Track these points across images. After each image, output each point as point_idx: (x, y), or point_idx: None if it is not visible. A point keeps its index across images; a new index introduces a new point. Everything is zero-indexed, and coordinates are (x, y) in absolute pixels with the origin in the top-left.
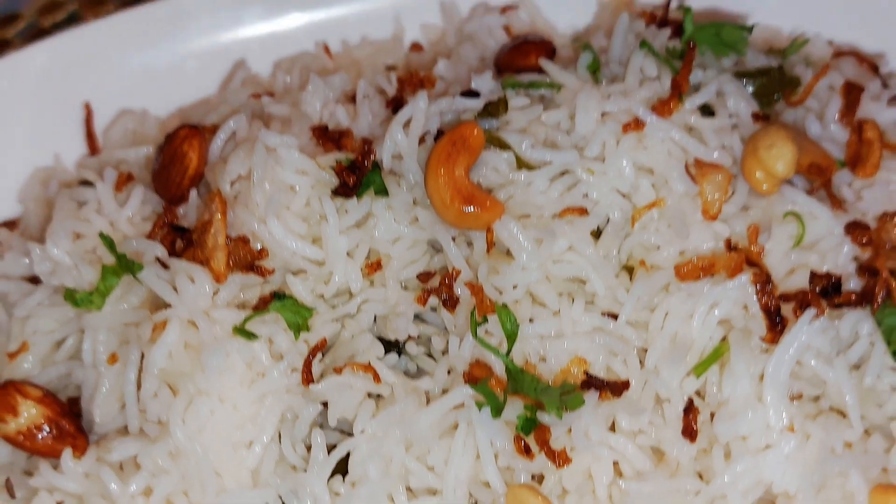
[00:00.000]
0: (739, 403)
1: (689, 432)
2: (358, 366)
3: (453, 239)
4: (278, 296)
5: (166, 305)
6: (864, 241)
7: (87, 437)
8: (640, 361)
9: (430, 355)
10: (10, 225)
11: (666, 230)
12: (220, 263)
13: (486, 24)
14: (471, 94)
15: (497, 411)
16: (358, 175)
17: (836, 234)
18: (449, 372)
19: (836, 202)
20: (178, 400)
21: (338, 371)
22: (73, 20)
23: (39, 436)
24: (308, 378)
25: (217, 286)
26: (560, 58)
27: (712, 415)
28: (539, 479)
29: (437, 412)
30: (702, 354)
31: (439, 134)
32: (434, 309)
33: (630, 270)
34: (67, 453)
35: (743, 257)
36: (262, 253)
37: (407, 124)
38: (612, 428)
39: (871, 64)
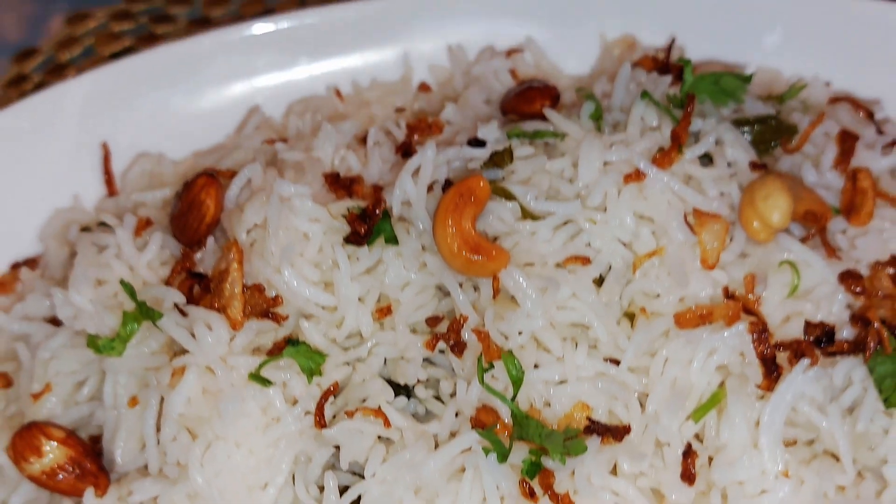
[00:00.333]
0: (736, 449)
1: (688, 476)
2: (368, 411)
3: (460, 285)
4: (292, 342)
5: (184, 350)
6: (856, 290)
7: (109, 477)
8: (641, 405)
9: (438, 398)
10: (31, 263)
11: (666, 278)
12: (236, 312)
13: (492, 68)
14: (477, 142)
15: (503, 457)
16: (369, 224)
17: (830, 283)
18: (457, 414)
19: (831, 250)
20: (196, 444)
21: (349, 415)
22: (88, 54)
23: (62, 475)
24: (321, 422)
25: (233, 333)
26: (564, 102)
27: (710, 458)
28: None
29: (445, 457)
30: (700, 400)
31: (447, 183)
32: (443, 351)
33: (631, 317)
34: (90, 493)
35: (740, 306)
36: (277, 300)
37: (416, 173)
38: (614, 471)
39: (866, 110)
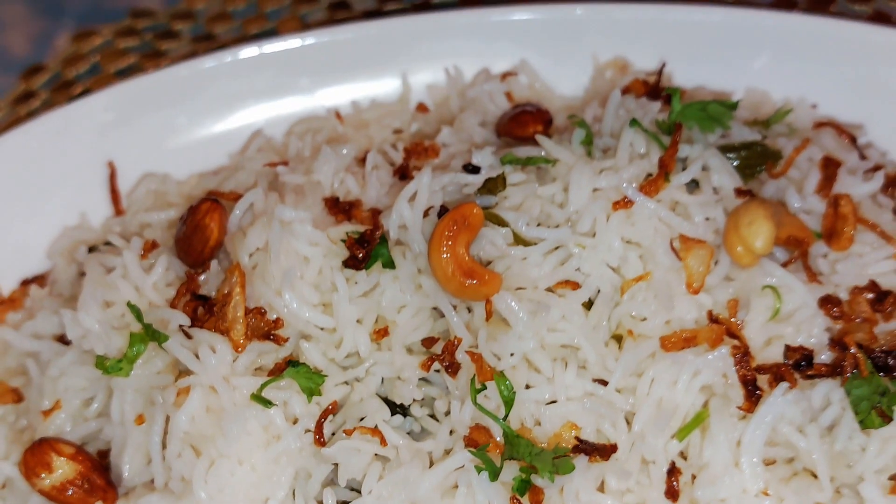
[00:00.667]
0: (718, 467)
1: (672, 493)
2: (366, 430)
3: (455, 307)
4: (292, 363)
5: (189, 371)
6: (835, 315)
7: (117, 491)
8: (628, 424)
9: (433, 416)
10: (40, 280)
11: (652, 301)
12: (239, 334)
13: (487, 91)
14: (472, 168)
15: (494, 475)
16: (367, 248)
17: (811, 307)
18: (451, 432)
19: (812, 274)
20: (200, 462)
21: (348, 433)
22: (94, 71)
23: (72, 490)
24: (320, 440)
25: (236, 354)
26: (557, 125)
27: (693, 476)
28: None
29: (439, 475)
30: (685, 419)
31: (442, 209)
32: (438, 371)
33: (619, 339)
34: None
35: (723, 329)
36: (278, 322)
37: (412, 198)
38: (602, 488)
39: (849, 135)
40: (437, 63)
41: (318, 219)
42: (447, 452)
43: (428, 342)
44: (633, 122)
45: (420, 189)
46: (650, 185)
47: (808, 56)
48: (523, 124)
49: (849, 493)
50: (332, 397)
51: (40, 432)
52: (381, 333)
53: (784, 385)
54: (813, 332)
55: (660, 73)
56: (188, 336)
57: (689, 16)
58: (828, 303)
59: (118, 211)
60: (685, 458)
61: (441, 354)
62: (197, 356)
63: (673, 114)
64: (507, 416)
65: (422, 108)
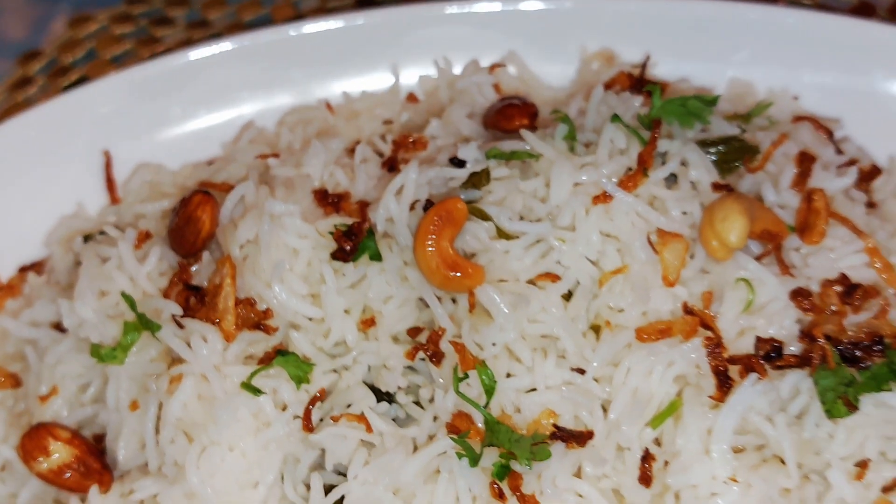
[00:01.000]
0: (690, 455)
1: (646, 479)
2: (352, 416)
3: (439, 298)
4: (282, 352)
5: (181, 359)
6: (806, 307)
7: (112, 474)
8: (605, 412)
9: (418, 403)
10: (38, 267)
11: (629, 294)
12: (229, 324)
13: (475, 83)
14: (457, 162)
15: (474, 461)
16: (354, 241)
17: (782, 300)
18: (435, 419)
19: (785, 267)
20: (192, 448)
21: (335, 420)
22: (90, 57)
23: (68, 473)
24: (308, 426)
25: (227, 344)
26: (543, 118)
27: (666, 463)
28: None
29: (422, 460)
30: (659, 408)
31: (428, 202)
32: (423, 359)
33: (597, 329)
34: (94, 490)
35: (697, 321)
36: (268, 313)
37: (399, 192)
38: (578, 473)
39: (826, 130)
40: (428, 53)
41: (308, 211)
42: (431, 438)
43: (413, 332)
44: (615, 118)
45: (406, 183)
46: (629, 181)
47: (791, 48)
48: (509, 117)
49: (816, 479)
50: (320, 385)
51: (38, 417)
52: (367, 323)
53: (754, 376)
54: (784, 323)
55: (644, 65)
56: (180, 326)
57: (675, 8)
58: (799, 295)
59: (114, 199)
60: (659, 445)
61: (426, 344)
62: (189, 345)
63: (653, 110)
64: (488, 403)
65: (412, 98)
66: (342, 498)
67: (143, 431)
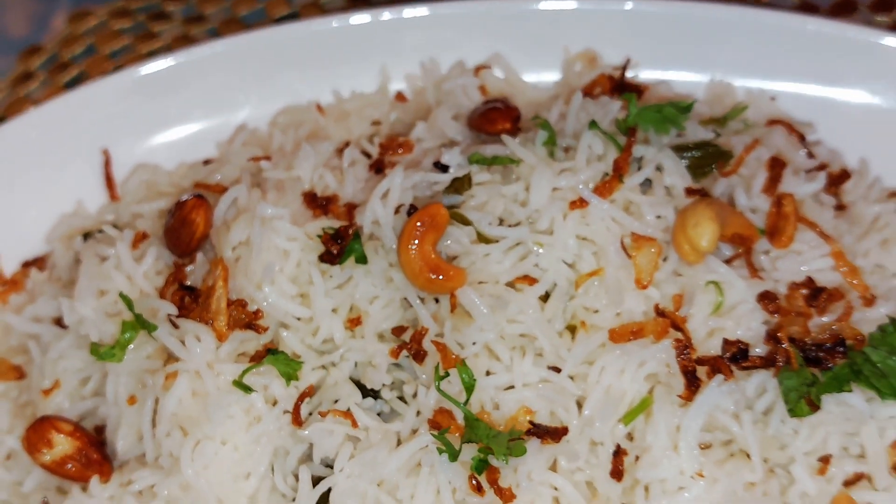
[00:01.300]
0: (659, 450)
1: (617, 473)
2: (338, 412)
3: (422, 299)
4: (272, 351)
5: (176, 357)
6: (772, 310)
7: (112, 464)
8: (579, 408)
9: (402, 398)
10: (39, 262)
11: (604, 296)
12: (222, 325)
13: (461, 85)
14: (441, 166)
15: (454, 456)
16: (341, 245)
17: (750, 302)
18: (418, 413)
19: (754, 271)
20: (187, 441)
21: (323, 415)
22: (90, 52)
23: (70, 465)
24: (297, 420)
25: (219, 343)
26: (527, 119)
27: (637, 458)
28: None
29: (405, 455)
30: (630, 405)
31: (412, 208)
32: (407, 357)
33: (573, 329)
34: (95, 480)
35: (668, 322)
36: (258, 313)
37: (385, 195)
38: (554, 467)
39: (798, 134)
40: (417, 54)
41: (298, 213)
42: (414, 433)
43: (398, 331)
44: (592, 125)
45: (392, 188)
46: (604, 187)
47: (770, 49)
48: (492, 121)
49: (781, 473)
50: (308, 381)
51: (41, 409)
52: (354, 322)
53: (720, 377)
54: (751, 325)
55: (624, 68)
56: (175, 326)
57: (658, 8)
58: (766, 298)
59: (113, 197)
60: (631, 441)
61: (409, 343)
62: (184, 344)
63: (630, 117)
64: (468, 400)
65: (400, 97)
66: (329, 490)
67: (140, 425)
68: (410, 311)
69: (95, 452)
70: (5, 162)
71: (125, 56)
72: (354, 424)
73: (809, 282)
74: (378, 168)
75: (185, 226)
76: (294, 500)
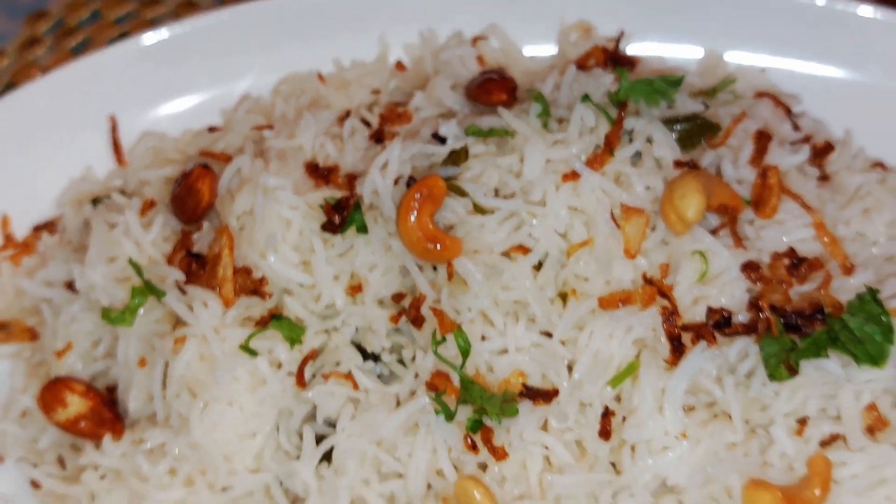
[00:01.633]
0: (645, 412)
1: (605, 433)
2: (340, 375)
3: (421, 267)
4: (276, 316)
5: (185, 322)
6: (754, 279)
7: (123, 423)
8: (569, 371)
9: (401, 362)
10: (50, 226)
11: (594, 264)
12: (228, 292)
13: (459, 55)
14: (439, 138)
15: (450, 417)
16: (342, 215)
17: (734, 271)
18: (416, 376)
19: (738, 240)
20: (196, 403)
21: (325, 377)
22: (95, 17)
23: (83, 423)
24: (301, 382)
25: (226, 309)
26: (523, 89)
27: (624, 418)
28: (483, 467)
29: (403, 416)
30: (618, 368)
31: (411, 179)
32: (406, 322)
33: (564, 297)
34: (108, 438)
35: (655, 290)
36: (263, 280)
37: (384, 167)
38: (545, 427)
39: (785, 107)
40: (416, 23)
41: (300, 183)
42: (412, 394)
43: (397, 297)
44: (585, 98)
45: (391, 159)
46: (596, 160)
47: (761, 22)
48: (488, 92)
49: (761, 433)
50: (311, 345)
51: (55, 370)
52: (355, 289)
53: (704, 343)
54: (734, 293)
55: (617, 41)
56: (183, 292)
57: None
58: (749, 268)
59: (120, 162)
60: (619, 402)
61: (408, 309)
62: (191, 310)
63: (621, 91)
64: (463, 364)
65: (399, 66)
66: (331, 448)
67: (150, 386)
68: (409, 279)
69: (108, 412)
70: (15, 128)
71: (130, 22)
72: (355, 386)
73: (791, 252)
74: (378, 138)
75: (191, 195)
76: (298, 458)
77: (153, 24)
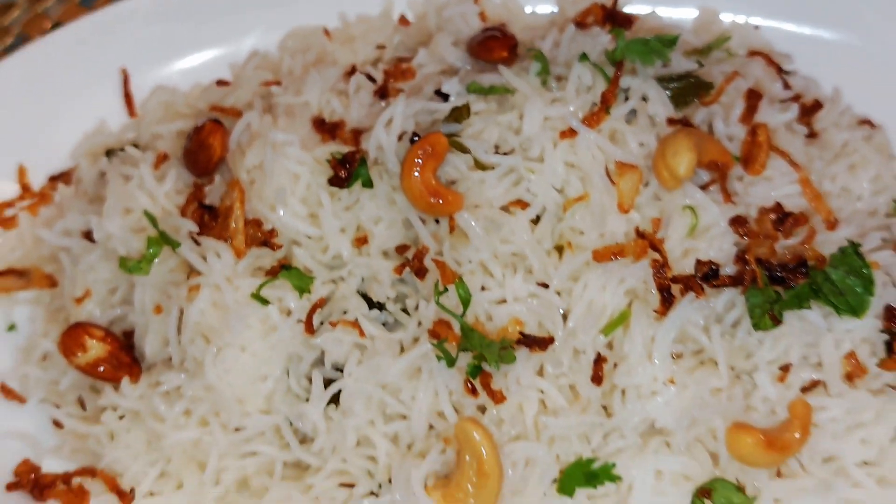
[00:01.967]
0: (635, 359)
1: (597, 378)
2: (347, 322)
3: (424, 221)
4: (286, 267)
5: (198, 271)
6: (742, 233)
7: (140, 367)
8: (564, 320)
9: (404, 310)
10: (65, 177)
11: (589, 219)
12: (240, 243)
13: (461, 12)
14: (441, 95)
15: (451, 363)
16: (348, 169)
17: (722, 226)
18: (419, 324)
19: (727, 196)
20: (210, 349)
21: (333, 325)
22: None
23: (102, 367)
24: (310, 329)
25: (237, 259)
26: (524, 46)
27: (615, 365)
28: (482, 410)
29: (407, 361)
30: (611, 318)
31: (414, 136)
32: (410, 273)
33: (560, 249)
34: (126, 381)
35: (647, 244)
36: (273, 232)
37: (388, 123)
38: (541, 373)
39: (776, 66)
40: None
41: (307, 138)
42: (415, 341)
43: (401, 249)
44: (583, 58)
45: (395, 116)
46: (592, 118)
47: None
48: (490, 49)
49: (746, 379)
50: (319, 294)
51: (74, 316)
52: (361, 241)
53: (692, 294)
54: (722, 247)
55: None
56: (197, 243)
57: None
58: (736, 222)
59: (132, 114)
60: (610, 350)
61: (412, 260)
62: (205, 260)
63: (617, 51)
64: (464, 313)
65: (403, 21)
66: (339, 391)
67: (166, 332)
68: (412, 231)
69: (125, 356)
70: (30, 81)
71: None
72: (361, 333)
73: (778, 207)
74: (382, 94)
75: (203, 149)
76: (307, 400)
77: None
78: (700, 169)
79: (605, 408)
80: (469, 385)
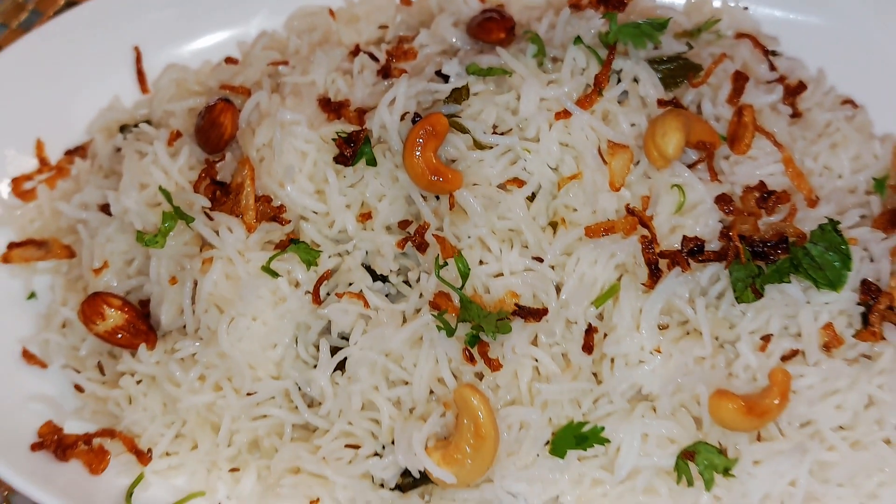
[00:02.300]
0: (624, 330)
1: (588, 348)
2: (352, 294)
3: (425, 198)
4: (294, 240)
5: (211, 245)
6: (727, 211)
7: (156, 334)
8: (558, 292)
9: (407, 282)
10: (81, 151)
11: (582, 196)
12: (250, 218)
13: None
14: (442, 76)
15: (451, 333)
16: (353, 148)
17: (708, 203)
18: (420, 296)
19: (714, 174)
20: (223, 318)
21: (339, 296)
22: None
23: (121, 334)
24: (317, 300)
25: (248, 234)
26: (522, 27)
27: (605, 335)
28: (480, 376)
29: (409, 331)
30: (601, 290)
31: (416, 116)
32: (412, 247)
33: (554, 225)
34: (143, 347)
35: (636, 220)
36: (282, 208)
37: (391, 103)
38: (535, 342)
39: (762, 48)
40: None
41: (313, 117)
42: (417, 312)
43: (403, 224)
44: (577, 40)
45: (398, 96)
46: (586, 99)
47: None
48: (488, 31)
49: (728, 349)
50: (326, 267)
51: (92, 287)
52: (365, 217)
53: (678, 269)
54: (708, 223)
55: None
56: (210, 218)
57: None
58: (722, 200)
59: (144, 90)
60: (601, 320)
61: (413, 235)
62: (217, 234)
63: (610, 34)
64: (463, 286)
65: (405, 1)
66: (345, 359)
67: (181, 302)
68: (414, 208)
69: (142, 324)
70: (46, 58)
71: None
72: (366, 304)
73: (762, 185)
74: (385, 74)
75: (214, 128)
76: (315, 366)
77: None
78: (688, 148)
79: (595, 375)
80: (467, 353)
